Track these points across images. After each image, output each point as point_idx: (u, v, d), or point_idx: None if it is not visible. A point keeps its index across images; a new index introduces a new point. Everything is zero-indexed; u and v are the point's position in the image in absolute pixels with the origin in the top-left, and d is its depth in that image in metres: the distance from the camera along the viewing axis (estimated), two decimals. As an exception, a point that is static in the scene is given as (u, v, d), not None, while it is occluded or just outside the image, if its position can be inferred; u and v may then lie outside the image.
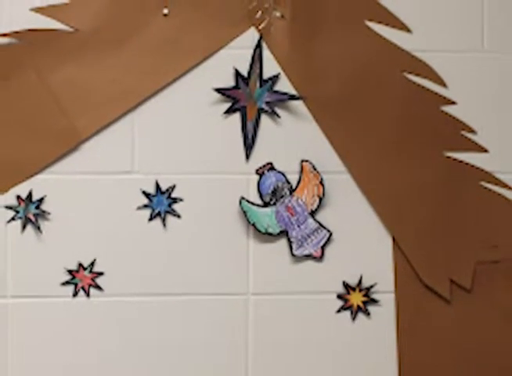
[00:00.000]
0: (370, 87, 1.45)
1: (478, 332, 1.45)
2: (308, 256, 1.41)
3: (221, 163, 1.40)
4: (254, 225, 1.39)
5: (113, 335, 1.38)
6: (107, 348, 1.38)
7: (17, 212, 1.33)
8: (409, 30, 1.43)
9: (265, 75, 1.40)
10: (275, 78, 1.40)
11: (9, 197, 1.34)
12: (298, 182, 1.40)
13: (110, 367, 1.39)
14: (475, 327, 1.45)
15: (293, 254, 1.41)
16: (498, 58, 1.46)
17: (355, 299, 1.42)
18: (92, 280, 1.36)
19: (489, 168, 1.44)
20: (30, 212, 1.33)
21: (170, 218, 1.38)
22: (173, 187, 1.38)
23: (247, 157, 1.40)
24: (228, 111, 1.39)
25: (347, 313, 1.42)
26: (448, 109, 1.44)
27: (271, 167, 1.40)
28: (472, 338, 1.45)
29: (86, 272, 1.36)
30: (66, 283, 1.35)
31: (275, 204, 1.40)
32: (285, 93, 1.40)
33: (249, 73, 1.39)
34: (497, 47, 1.46)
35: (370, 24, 1.44)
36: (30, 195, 1.33)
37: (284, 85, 1.40)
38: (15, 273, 1.35)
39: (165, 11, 1.38)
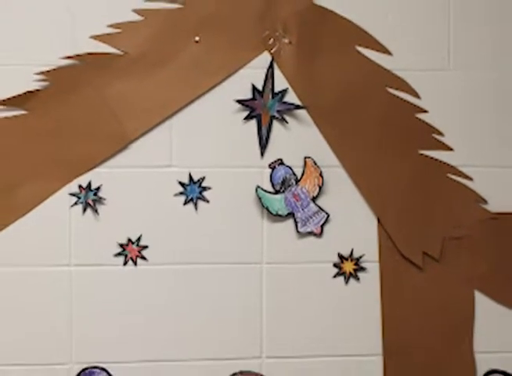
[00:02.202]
0: (359, 98, 1.54)
1: (444, 293, 1.56)
2: (310, 233, 1.53)
3: (241, 159, 1.51)
4: (267, 208, 1.50)
5: (155, 295, 1.49)
6: (151, 305, 1.49)
7: (79, 198, 1.45)
8: (390, 53, 1.54)
9: (276, 89, 1.50)
10: (284, 92, 1.50)
11: (73, 187, 1.46)
12: (302, 174, 1.52)
13: (154, 319, 1.50)
14: (442, 289, 1.56)
15: (298, 231, 1.52)
16: (460, 75, 1.57)
17: (348, 267, 1.54)
18: (139, 252, 1.47)
19: (454, 162, 1.56)
20: (89, 198, 1.46)
21: (200, 203, 1.50)
22: (203, 178, 1.49)
23: (262, 154, 1.52)
24: (247, 118, 1.50)
25: (341, 278, 1.54)
26: (421, 116, 1.55)
27: (280, 162, 1.52)
28: (439, 298, 1.56)
29: (134, 246, 1.47)
30: (118, 254, 1.47)
31: (284, 191, 1.51)
32: (292, 103, 1.51)
33: (263, 87, 1.50)
34: (460, 67, 1.57)
35: (360, 49, 1.54)
36: (89, 184, 1.46)
37: (291, 97, 1.52)
38: (77, 247, 1.47)
39: (196, 38, 1.48)
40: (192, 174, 1.51)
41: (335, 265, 1.55)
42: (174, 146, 1.51)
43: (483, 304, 1.58)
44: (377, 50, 1.55)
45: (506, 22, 1.58)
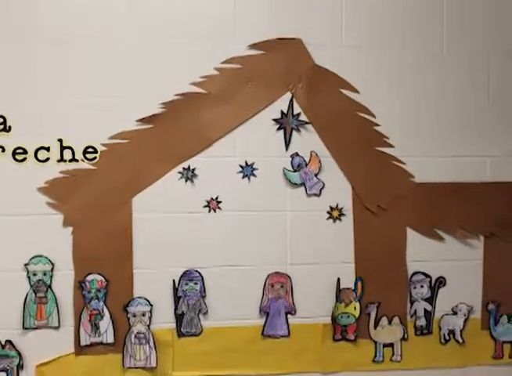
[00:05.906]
0: (341, 118, 2.17)
1: (389, 229, 2.20)
2: (314, 194, 2.19)
3: (274, 152, 2.17)
4: (289, 180, 2.16)
5: (226, 229, 2.13)
6: (222, 236, 2.12)
7: (182, 175, 2.14)
8: (358, 92, 2.19)
9: (295, 113, 2.17)
10: (298, 114, 2.16)
11: (179, 168, 2.14)
12: (309, 161, 2.18)
13: (221, 241, 2.10)
14: (388, 226, 2.20)
15: (307, 193, 2.17)
16: (399, 105, 2.24)
17: (335, 213, 2.21)
18: (217, 204, 2.17)
19: (395, 154, 2.23)
20: (189, 175, 2.15)
21: (252, 178, 2.17)
22: (253, 163, 2.16)
23: (286, 149, 2.17)
24: (278, 129, 2.17)
25: (331, 220, 2.23)
26: (376, 128, 2.20)
27: (297, 154, 2.16)
28: (386, 232, 2.17)
29: (214, 202, 2.16)
30: (205, 206, 2.16)
31: (299, 171, 2.16)
32: (303, 121, 2.16)
33: (287, 112, 2.16)
34: (398, 100, 2.23)
35: (341, 90, 2.18)
36: (188, 167, 2.14)
37: (303, 117, 2.18)
38: (181, 202, 2.14)
39: (250, 84, 2.15)
40: (247, 161, 2.19)
41: (327, 213, 2.25)
42: (238, 145, 2.19)
43: (411, 234, 2.27)
44: (351, 91, 2.21)
45: (422, 86, 2.29)
